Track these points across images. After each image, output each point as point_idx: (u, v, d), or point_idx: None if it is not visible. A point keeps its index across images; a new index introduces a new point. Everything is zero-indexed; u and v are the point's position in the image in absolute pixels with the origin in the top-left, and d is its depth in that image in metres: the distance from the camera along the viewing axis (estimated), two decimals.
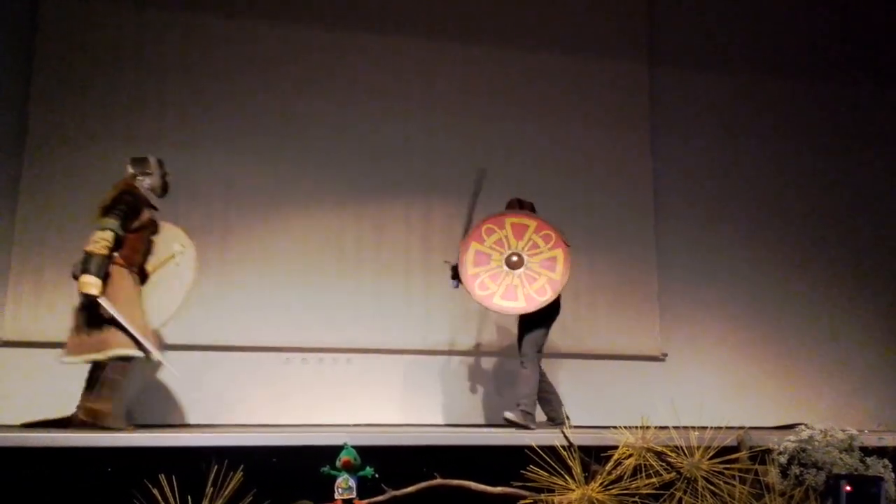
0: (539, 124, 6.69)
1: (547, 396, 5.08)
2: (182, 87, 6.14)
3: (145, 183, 4.72)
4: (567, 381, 6.29)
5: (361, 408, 5.91)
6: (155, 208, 4.76)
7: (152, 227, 4.74)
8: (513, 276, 4.81)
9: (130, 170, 4.73)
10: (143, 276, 4.71)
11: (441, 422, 6.06)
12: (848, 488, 3.00)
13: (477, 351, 6.25)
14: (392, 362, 6.11)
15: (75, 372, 4.51)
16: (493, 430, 5.09)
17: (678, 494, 3.18)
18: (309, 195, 6.24)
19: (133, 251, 4.56)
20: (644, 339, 6.58)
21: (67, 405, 4.46)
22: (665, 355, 6.60)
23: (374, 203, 6.31)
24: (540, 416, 5.02)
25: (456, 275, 5.02)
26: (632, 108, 6.92)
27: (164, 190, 4.84)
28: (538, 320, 4.93)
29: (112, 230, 4.39)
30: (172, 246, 4.83)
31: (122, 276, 4.47)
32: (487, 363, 6.27)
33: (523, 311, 4.86)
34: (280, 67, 6.34)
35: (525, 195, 6.48)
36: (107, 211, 4.46)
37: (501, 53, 6.75)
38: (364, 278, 6.16)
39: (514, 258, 4.84)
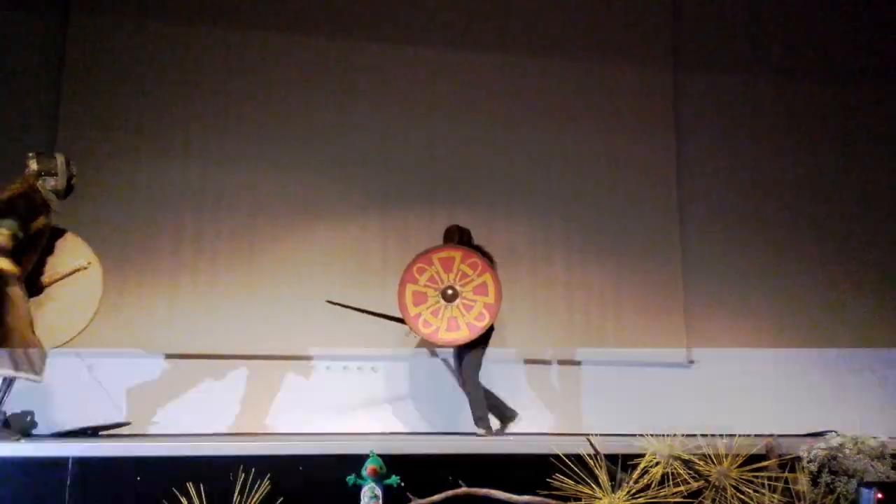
0: (564, 130, 6.67)
1: (492, 402, 5.28)
2: (208, 101, 6.21)
3: (48, 184, 4.18)
4: (593, 388, 6.27)
5: (387, 416, 5.94)
6: (53, 211, 4.24)
7: (46, 236, 4.22)
8: (451, 308, 5.03)
9: (34, 166, 4.18)
10: (35, 288, 4.21)
11: (467, 430, 6.05)
12: (879, 496, 2.97)
13: (504, 358, 6.22)
14: (418, 370, 6.12)
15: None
16: (519, 438, 5.07)
17: (706, 503, 3.15)
18: (334, 206, 6.27)
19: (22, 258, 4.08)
20: (670, 346, 6.52)
21: None
22: (691, 362, 6.54)
23: (399, 213, 6.32)
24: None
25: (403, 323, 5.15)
26: (656, 113, 6.89)
27: (67, 193, 4.29)
28: (475, 344, 5.08)
29: (9, 229, 3.95)
30: (77, 260, 4.37)
31: None
32: (518, 370, 6.25)
33: (468, 340, 5.00)
34: (306, 80, 6.38)
35: (550, 201, 6.54)
36: (1, 214, 3.98)
37: (526, 60, 6.74)
38: (389, 288, 6.15)
39: (450, 291, 5.05)
